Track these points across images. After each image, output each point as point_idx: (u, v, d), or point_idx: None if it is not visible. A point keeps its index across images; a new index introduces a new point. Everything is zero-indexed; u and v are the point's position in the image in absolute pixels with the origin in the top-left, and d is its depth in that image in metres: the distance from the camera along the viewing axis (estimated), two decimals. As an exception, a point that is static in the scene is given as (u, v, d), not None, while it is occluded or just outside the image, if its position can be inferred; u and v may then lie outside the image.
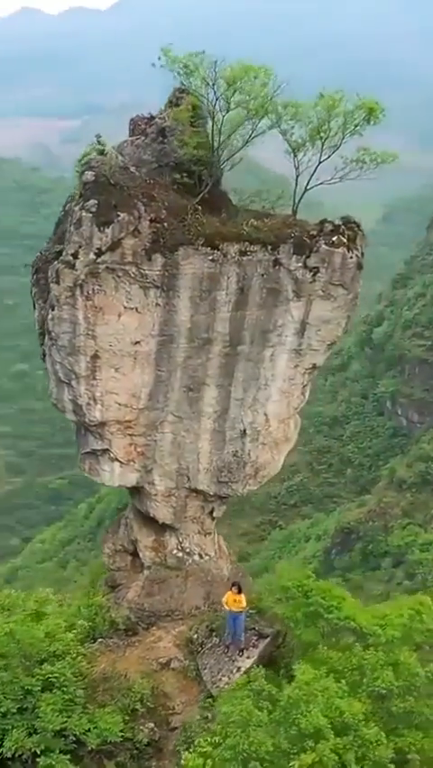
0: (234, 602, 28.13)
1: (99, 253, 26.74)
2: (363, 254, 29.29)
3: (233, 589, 28.31)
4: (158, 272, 27.52)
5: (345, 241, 28.75)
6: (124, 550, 33.61)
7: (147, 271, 27.41)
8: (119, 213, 26.50)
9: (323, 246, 28.46)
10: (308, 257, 28.51)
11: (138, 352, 28.59)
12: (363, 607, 29.29)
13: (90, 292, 27.42)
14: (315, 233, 28.75)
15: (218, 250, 27.77)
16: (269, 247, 28.25)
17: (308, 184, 29.98)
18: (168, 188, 28.12)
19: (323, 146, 29.13)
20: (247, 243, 28.03)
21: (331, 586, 28.42)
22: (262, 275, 28.38)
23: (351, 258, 28.73)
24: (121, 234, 26.69)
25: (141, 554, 32.84)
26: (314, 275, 28.72)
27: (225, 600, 28.54)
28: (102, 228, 26.47)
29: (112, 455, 30.15)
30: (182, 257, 27.50)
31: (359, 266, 29.05)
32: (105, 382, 28.71)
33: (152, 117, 29.71)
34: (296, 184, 30.13)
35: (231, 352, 29.33)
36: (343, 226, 29.27)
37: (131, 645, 29.99)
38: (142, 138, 29.14)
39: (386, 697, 23.17)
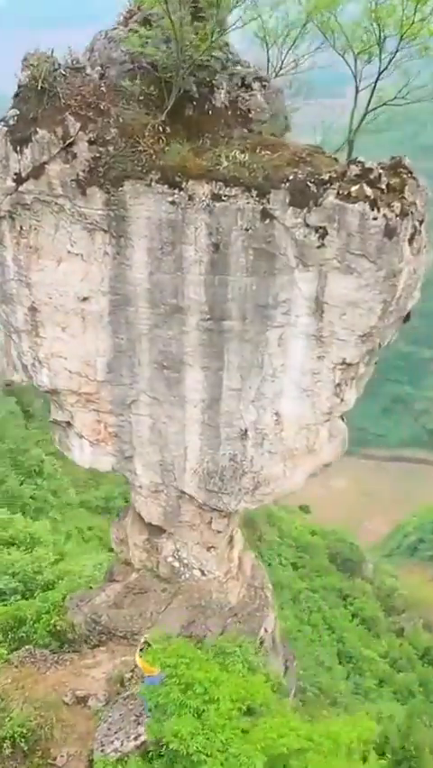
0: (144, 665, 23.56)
1: (19, 180, 22.37)
2: (400, 215, 21.27)
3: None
4: (99, 212, 22.55)
5: (368, 193, 21.17)
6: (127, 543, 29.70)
7: (84, 209, 22.58)
8: (38, 129, 21.72)
9: (330, 198, 21.16)
10: (309, 211, 21.39)
11: (86, 311, 24.13)
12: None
13: (24, 228, 23.33)
14: (328, 176, 21.40)
15: (180, 189, 21.86)
16: (254, 192, 21.66)
17: (369, 105, 22.81)
18: (131, 100, 22.46)
19: (382, 49, 21.68)
20: (221, 184, 21.71)
21: (210, 675, 22.02)
22: (246, 230, 22.04)
23: (374, 219, 21.03)
24: (43, 157, 22.01)
25: (130, 554, 28.88)
26: (321, 238, 21.62)
27: (137, 659, 24.01)
28: (19, 148, 22.00)
29: (76, 431, 26.20)
30: (130, 194, 22.17)
31: (388, 232, 21.22)
32: (50, 342, 24.83)
33: (147, 2, 23.68)
34: (355, 103, 22.88)
35: (214, 328, 23.59)
36: (381, 170, 21.52)
37: (60, 663, 26.71)
38: (120, 28, 23.36)
39: None
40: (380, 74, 22.19)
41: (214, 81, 22.87)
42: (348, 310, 22.64)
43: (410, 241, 21.91)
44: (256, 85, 24.14)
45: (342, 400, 24.79)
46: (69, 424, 26.40)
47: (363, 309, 22.55)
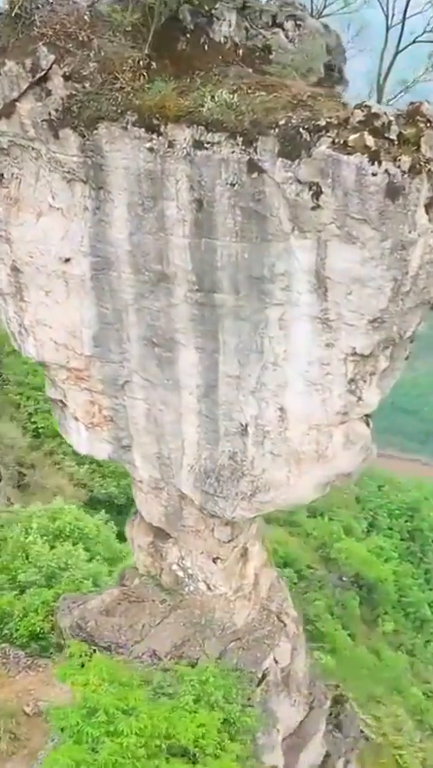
0: None
1: (-9, 119, 20.33)
2: (410, 173, 17.55)
3: None
4: (75, 159, 20.15)
5: (369, 143, 17.55)
6: (141, 542, 27.13)
7: (59, 155, 20.25)
8: (6, 60, 19.58)
9: (321, 148, 17.74)
10: (300, 164, 18.09)
11: (68, 273, 21.76)
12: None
13: (6, 177, 21.41)
14: (326, 122, 18.01)
15: (159, 134, 19.09)
16: (239, 139, 18.55)
17: (399, 43, 19.51)
18: (118, 31, 19.86)
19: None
20: (203, 129, 18.75)
21: (122, 703, 18.74)
22: (232, 185, 18.94)
23: (373, 175, 17.44)
24: (13, 93, 19.85)
25: (134, 556, 26.29)
26: (316, 197, 18.25)
27: None
28: (-12, 82, 19.95)
29: (71, 411, 23.95)
30: (106, 138, 19.61)
31: (392, 192, 17.57)
32: (35, 308, 22.79)
33: None
34: (385, 43, 19.59)
35: (205, 301, 20.70)
36: (392, 117, 17.87)
37: (32, 668, 24.70)
38: None
39: None
40: (408, 3, 18.72)
41: (213, 11, 19.93)
42: (354, 288, 19.06)
43: (428, 207, 18.15)
44: (289, 24, 21.09)
45: (359, 399, 21.14)
46: (63, 403, 24.23)
47: (372, 288, 18.90)
